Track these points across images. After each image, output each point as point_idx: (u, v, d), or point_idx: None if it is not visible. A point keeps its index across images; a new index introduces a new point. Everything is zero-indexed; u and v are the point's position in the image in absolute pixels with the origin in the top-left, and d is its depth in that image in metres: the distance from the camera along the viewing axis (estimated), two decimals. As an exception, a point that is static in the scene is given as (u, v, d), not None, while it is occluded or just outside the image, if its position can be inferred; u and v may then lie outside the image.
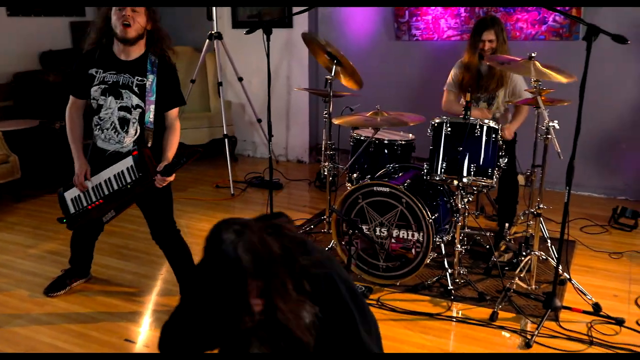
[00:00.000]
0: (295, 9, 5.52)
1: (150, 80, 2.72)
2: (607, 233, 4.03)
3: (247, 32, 3.67)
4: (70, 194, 2.87)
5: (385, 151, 3.59)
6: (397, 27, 5.20)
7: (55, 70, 5.63)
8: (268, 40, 3.54)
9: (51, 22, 6.01)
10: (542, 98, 3.03)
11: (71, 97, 2.87)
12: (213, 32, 5.19)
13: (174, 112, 2.85)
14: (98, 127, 2.79)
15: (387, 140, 3.58)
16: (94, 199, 2.79)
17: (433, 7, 4.97)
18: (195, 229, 4.21)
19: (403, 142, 3.59)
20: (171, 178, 2.70)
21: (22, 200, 4.75)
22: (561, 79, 3.05)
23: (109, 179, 2.75)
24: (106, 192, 2.76)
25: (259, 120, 5.70)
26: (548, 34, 4.65)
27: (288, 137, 6.05)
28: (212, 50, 5.34)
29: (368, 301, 3.02)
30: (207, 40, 5.23)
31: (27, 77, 5.45)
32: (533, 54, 3.05)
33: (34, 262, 3.61)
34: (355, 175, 3.54)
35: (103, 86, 2.73)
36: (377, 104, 3.55)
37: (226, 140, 5.16)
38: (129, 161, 2.70)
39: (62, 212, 2.92)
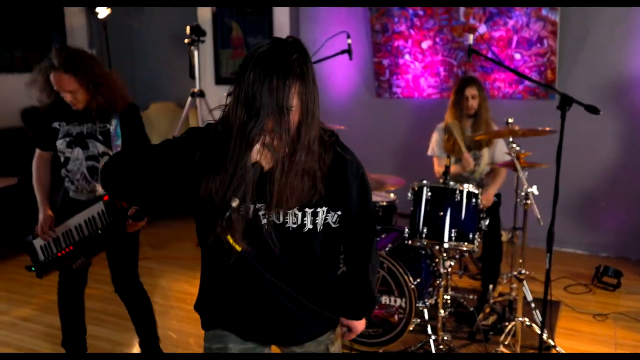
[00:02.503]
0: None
1: (114, 125, 2.68)
2: (591, 293, 4.01)
3: (229, 95, 3.70)
4: (39, 241, 2.80)
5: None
6: (377, 84, 5.28)
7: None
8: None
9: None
10: (521, 161, 3.06)
11: (37, 150, 2.85)
12: (195, 90, 5.22)
13: None
14: (67, 179, 2.77)
15: (369, 202, 3.57)
16: (63, 245, 2.73)
17: (412, 67, 5.06)
18: (175, 290, 4.12)
19: (384, 204, 3.58)
20: (142, 223, 2.66)
21: (-4, 262, 4.64)
22: (542, 134, 3.10)
23: (80, 224, 2.70)
24: (76, 238, 2.70)
25: (242, 176, 5.67)
26: (525, 94, 4.75)
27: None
28: (195, 107, 5.37)
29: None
30: (190, 98, 5.26)
31: (7, 134, 5.42)
32: (510, 120, 3.09)
33: (5, 330, 3.49)
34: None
35: (68, 139, 2.70)
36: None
37: (208, 197, 5.11)
38: (99, 206, 2.66)
39: (30, 260, 2.84)
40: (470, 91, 3.55)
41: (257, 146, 1.35)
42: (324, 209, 1.52)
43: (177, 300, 3.94)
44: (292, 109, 1.35)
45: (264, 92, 1.31)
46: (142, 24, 6.53)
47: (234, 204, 1.36)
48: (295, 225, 1.51)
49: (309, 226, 1.52)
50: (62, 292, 2.98)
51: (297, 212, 1.49)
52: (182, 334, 3.44)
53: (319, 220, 1.53)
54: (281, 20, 5.55)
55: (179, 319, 3.65)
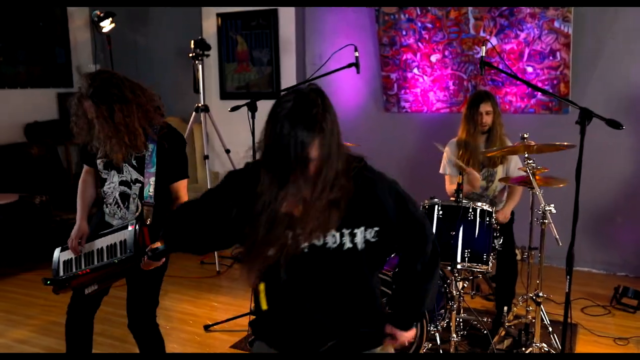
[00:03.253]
0: (284, 84, 5.53)
1: (150, 150, 2.49)
2: (610, 315, 3.84)
3: (232, 110, 3.62)
4: (64, 256, 2.66)
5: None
6: (385, 99, 5.17)
7: (39, 143, 5.54)
8: (253, 117, 3.48)
9: (38, 94, 5.98)
10: (537, 178, 2.93)
11: (84, 165, 2.75)
12: (200, 104, 5.13)
13: (180, 186, 2.59)
14: (103, 200, 2.65)
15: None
16: (83, 266, 2.59)
17: (421, 81, 4.95)
18: (177, 311, 3.99)
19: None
20: (158, 263, 2.44)
21: (-5, 280, 4.54)
22: (559, 149, 2.98)
23: (101, 249, 2.56)
24: (95, 263, 2.55)
25: (247, 192, 5.56)
26: (537, 107, 4.62)
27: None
28: (199, 122, 5.27)
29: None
30: (194, 113, 5.17)
31: (10, 150, 5.34)
32: (525, 135, 2.96)
33: None
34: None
35: (105, 160, 2.56)
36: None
37: (212, 214, 4.99)
38: (124, 234, 2.49)
39: (52, 273, 2.68)
40: (485, 107, 3.42)
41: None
42: (362, 228, 1.60)
43: (179, 322, 3.82)
44: (312, 161, 1.48)
45: (290, 146, 1.45)
46: (147, 39, 6.48)
47: (271, 252, 1.52)
48: (335, 245, 1.59)
49: (348, 245, 1.59)
50: (71, 314, 2.78)
51: (335, 232, 1.58)
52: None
53: (359, 240, 1.61)
54: (287, 33, 5.47)
55: (180, 341, 3.52)
